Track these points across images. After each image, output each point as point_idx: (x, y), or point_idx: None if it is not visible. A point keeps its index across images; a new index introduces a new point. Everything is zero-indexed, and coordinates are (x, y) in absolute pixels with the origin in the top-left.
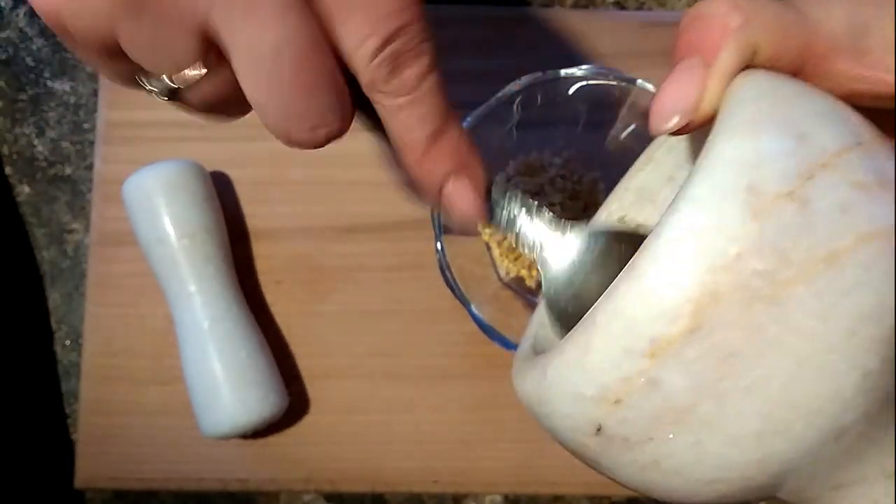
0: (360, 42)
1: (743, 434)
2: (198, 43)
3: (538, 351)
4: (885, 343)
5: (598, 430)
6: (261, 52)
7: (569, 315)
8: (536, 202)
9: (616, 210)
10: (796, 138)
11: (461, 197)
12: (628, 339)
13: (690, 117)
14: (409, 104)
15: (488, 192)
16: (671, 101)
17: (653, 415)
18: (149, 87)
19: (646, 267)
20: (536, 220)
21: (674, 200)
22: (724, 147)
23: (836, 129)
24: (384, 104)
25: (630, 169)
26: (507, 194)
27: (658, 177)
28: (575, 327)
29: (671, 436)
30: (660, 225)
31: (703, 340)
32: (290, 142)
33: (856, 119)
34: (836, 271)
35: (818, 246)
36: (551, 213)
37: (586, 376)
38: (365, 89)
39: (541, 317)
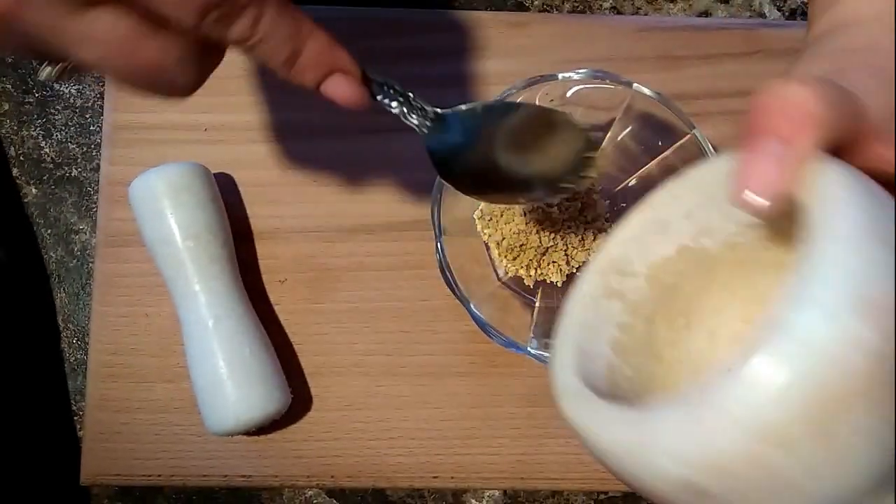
0: (185, 19)
1: (820, 498)
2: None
3: (591, 384)
4: None
5: (695, 492)
6: (95, 62)
7: (455, 173)
8: (410, 93)
9: (631, 237)
10: (890, 246)
11: (338, 91)
12: (747, 418)
13: (777, 201)
14: (255, 45)
15: (366, 78)
16: (757, 181)
17: (747, 482)
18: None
19: (766, 358)
20: (412, 107)
21: (789, 297)
22: (834, 254)
23: None
24: (237, 49)
25: (648, 198)
26: (384, 85)
27: (677, 211)
28: (683, 395)
29: (759, 498)
30: (777, 323)
31: (808, 430)
32: (166, 98)
33: None
34: None
35: None
36: (421, 102)
37: (695, 441)
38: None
39: (565, 340)
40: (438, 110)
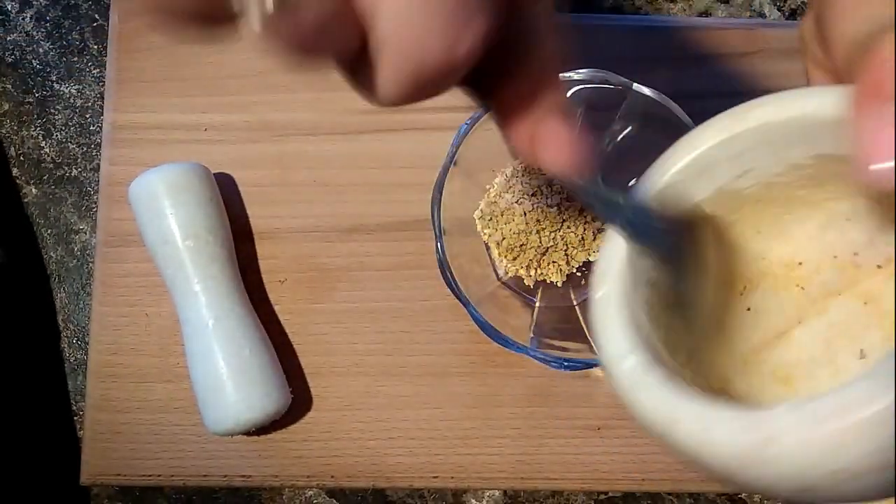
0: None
1: None
2: None
3: (660, 360)
4: None
5: (813, 490)
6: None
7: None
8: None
9: (673, 174)
10: None
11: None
12: (879, 438)
13: None
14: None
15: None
16: (885, 147)
17: (873, 482)
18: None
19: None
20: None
21: None
22: None
23: None
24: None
25: (695, 134)
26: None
27: (726, 153)
28: (807, 401)
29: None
30: None
31: None
32: (421, 70)
33: None
34: None
35: None
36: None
37: (822, 454)
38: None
39: (631, 307)
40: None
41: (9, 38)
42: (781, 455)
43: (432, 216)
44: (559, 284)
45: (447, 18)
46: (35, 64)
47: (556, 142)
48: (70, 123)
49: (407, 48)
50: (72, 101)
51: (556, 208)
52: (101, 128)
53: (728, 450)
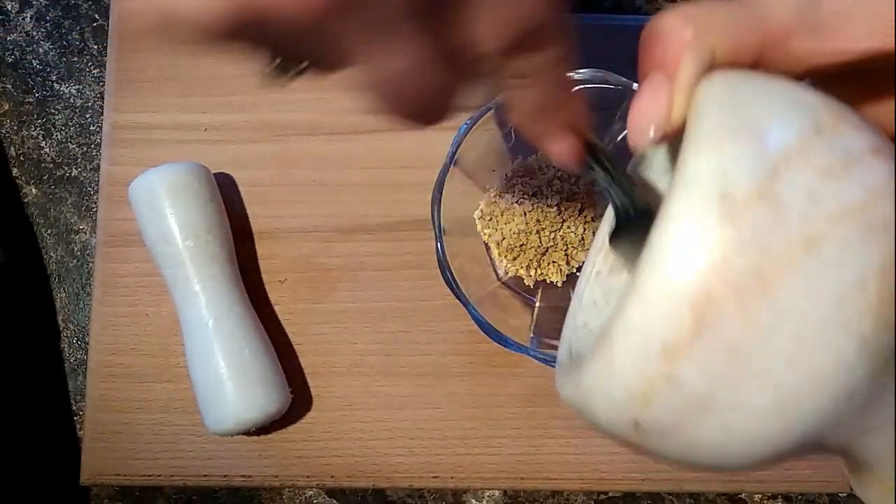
0: (489, 40)
1: (762, 411)
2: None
3: (574, 356)
4: (875, 309)
5: (636, 425)
6: (385, 75)
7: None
8: (622, 172)
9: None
10: (758, 140)
11: (560, 148)
12: (644, 346)
13: (663, 130)
14: (529, 84)
15: (589, 146)
16: (644, 116)
17: (678, 408)
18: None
19: (646, 281)
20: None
21: (657, 218)
22: (693, 162)
23: (795, 121)
24: (507, 85)
25: (628, 168)
26: (601, 159)
27: (655, 173)
28: (596, 341)
29: (699, 423)
30: (650, 243)
31: (708, 338)
32: (410, 126)
33: (814, 101)
34: (815, 255)
35: (794, 236)
36: (629, 184)
37: (614, 382)
38: (486, 73)
39: (575, 321)
40: (638, 195)
41: (9, 38)
42: (587, 392)
43: (432, 216)
44: (559, 284)
45: (417, 114)
46: (35, 64)
47: (562, 154)
48: (70, 123)
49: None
50: (72, 101)
51: (556, 208)
52: (101, 128)
53: (572, 397)
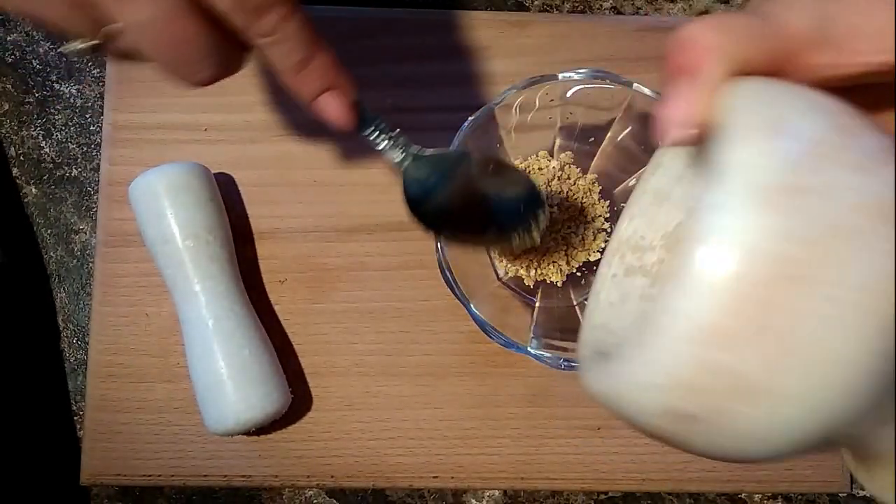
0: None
1: (793, 394)
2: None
3: (599, 351)
4: None
5: (670, 411)
6: (140, 23)
7: (428, 214)
8: (397, 131)
9: (637, 213)
10: (792, 137)
11: (331, 108)
12: (688, 333)
13: (690, 130)
14: (275, 42)
15: (358, 107)
16: (671, 118)
17: (715, 392)
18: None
19: (689, 269)
20: (396, 143)
21: (697, 209)
22: (730, 155)
23: (820, 120)
24: (257, 44)
25: (643, 174)
26: (375, 118)
27: (669, 179)
28: (639, 329)
29: (734, 407)
30: (692, 231)
31: (748, 323)
32: (186, 83)
33: (835, 106)
34: (841, 242)
35: (823, 225)
36: (406, 141)
37: (657, 370)
38: (242, 36)
39: (593, 321)
40: (420, 151)
41: (9, 38)
42: (626, 381)
43: None
44: (559, 284)
45: (182, 61)
46: (35, 64)
47: (332, 110)
48: (70, 123)
49: (169, 74)
50: (72, 101)
51: (556, 208)
52: (101, 128)
53: (607, 396)
